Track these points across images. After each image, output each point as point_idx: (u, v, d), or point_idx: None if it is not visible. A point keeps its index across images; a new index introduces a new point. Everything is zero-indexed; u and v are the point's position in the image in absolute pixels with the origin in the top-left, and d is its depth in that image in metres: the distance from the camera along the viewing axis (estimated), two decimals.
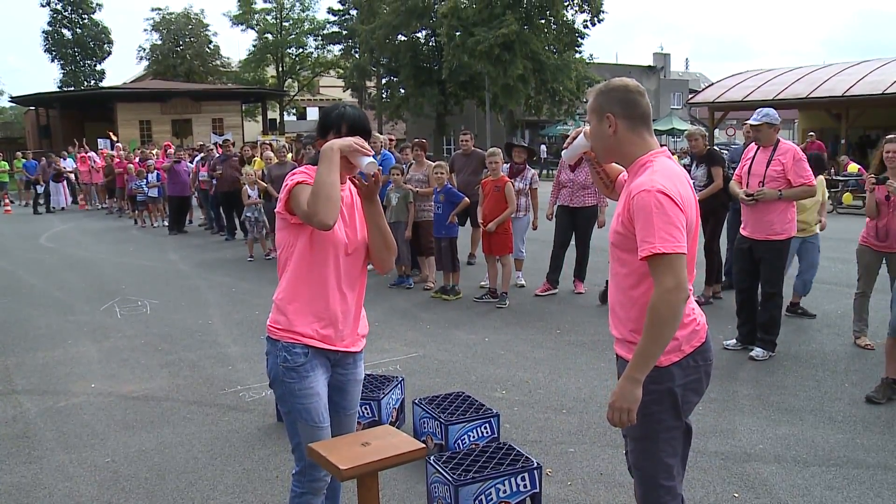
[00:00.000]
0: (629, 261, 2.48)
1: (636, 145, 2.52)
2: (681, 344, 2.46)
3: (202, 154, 15.83)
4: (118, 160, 19.56)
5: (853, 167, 18.14)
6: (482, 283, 8.81)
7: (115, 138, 27.72)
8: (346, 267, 2.88)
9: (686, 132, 8.58)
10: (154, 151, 19.18)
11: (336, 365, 2.94)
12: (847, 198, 16.98)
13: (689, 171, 7.36)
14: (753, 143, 6.20)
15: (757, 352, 5.98)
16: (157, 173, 16.53)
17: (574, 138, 2.80)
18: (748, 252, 6.02)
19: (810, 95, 23.55)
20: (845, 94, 22.61)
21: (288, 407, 2.85)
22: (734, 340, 6.26)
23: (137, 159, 18.04)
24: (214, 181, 13.98)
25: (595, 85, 2.66)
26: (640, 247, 2.34)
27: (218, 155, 14.24)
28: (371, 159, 2.75)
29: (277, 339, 2.81)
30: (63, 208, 22.49)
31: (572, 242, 8.56)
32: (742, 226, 6.11)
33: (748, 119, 6.31)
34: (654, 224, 2.31)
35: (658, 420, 2.47)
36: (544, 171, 32.51)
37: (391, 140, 10.64)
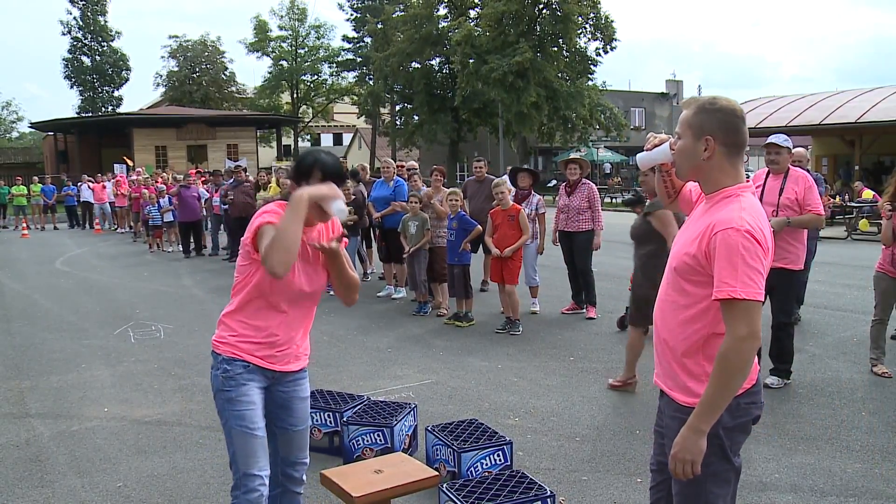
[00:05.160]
0: (692, 292, 2.37)
1: (727, 175, 2.38)
2: None
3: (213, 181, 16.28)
4: (134, 185, 19.78)
5: (868, 193, 18.08)
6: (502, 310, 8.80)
7: (130, 163, 28.00)
8: (300, 303, 2.99)
9: None
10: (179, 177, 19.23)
11: (276, 383, 3.02)
12: (864, 224, 16.91)
13: None
14: (763, 170, 6.12)
15: (771, 380, 5.90)
16: (170, 198, 16.66)
17: (656, 145, 2.59)
18: None
19: (823, 122, 23.54)
20: (859, 121, 22.58)
21: (226, 417, 2.93)
22: None
23: (160, 184, 18.18)
24: (225, 206, 14.09)
25: (691, 98, 2.46)
26: (718, 287, 2.22)
27: (230, 181, 14.37)
28: (342, 206, 2.82)
29: (220, 353, 2.95)
30: None
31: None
32: None
33: (763, 143, 6.20)
34: (738, 266, 2.19)
35: (705, 463, 2.34)
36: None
37: (412, 169, 10.69)
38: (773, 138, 5.89)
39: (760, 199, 5.87)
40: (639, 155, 2.69)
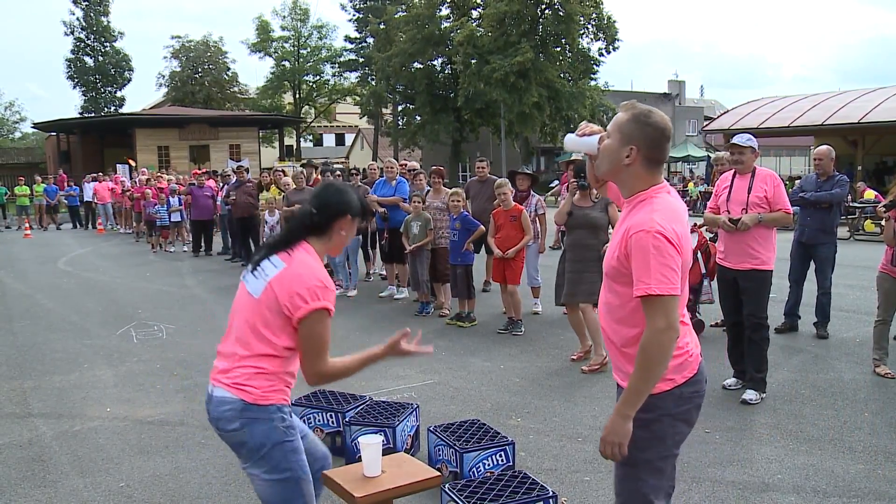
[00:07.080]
0: (622, 293, 2.51)
1: (643, 181, 2.53)
2: (669, 373, 2.44)
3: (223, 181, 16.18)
4: (136, 185, 19.80)
5: (869, 194, 18.06)
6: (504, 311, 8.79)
7: (132, 164, 28.02)
8: None
9: (713, 157, 8.49)
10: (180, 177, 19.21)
11: None
12: (869, 225, 16.90)
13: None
14: (730, 171, 5.92)
15: (750, 394, 5.59)
16: (180, 198, 16.63)
17: (586, 134, 2.68)
18: (733, 283, 5.72)
19: (826, 122, 23.52)
20: (861, 121, 22.56)
21: (289, 467, 2.68)
22: (733, 380, 5.93)
23: (172, 183, 18.12)
24: (228, 207, 14.09)
25: (631, 103, 2.59)
26: (636, 285, 2.38)
27: (232, 181, 14.36)
28: None
29: (269, 404, 2.68)
30: None
31: None
32: (722, 256, 5.85)
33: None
34: (651, 265, 2.35)
35: (642, 448, 2.45)
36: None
37: (415, 170, 10.68)
38: (735, 139, 5.81)
39: (728, 199, 5.73)
40: (568, 136, 2.78)
